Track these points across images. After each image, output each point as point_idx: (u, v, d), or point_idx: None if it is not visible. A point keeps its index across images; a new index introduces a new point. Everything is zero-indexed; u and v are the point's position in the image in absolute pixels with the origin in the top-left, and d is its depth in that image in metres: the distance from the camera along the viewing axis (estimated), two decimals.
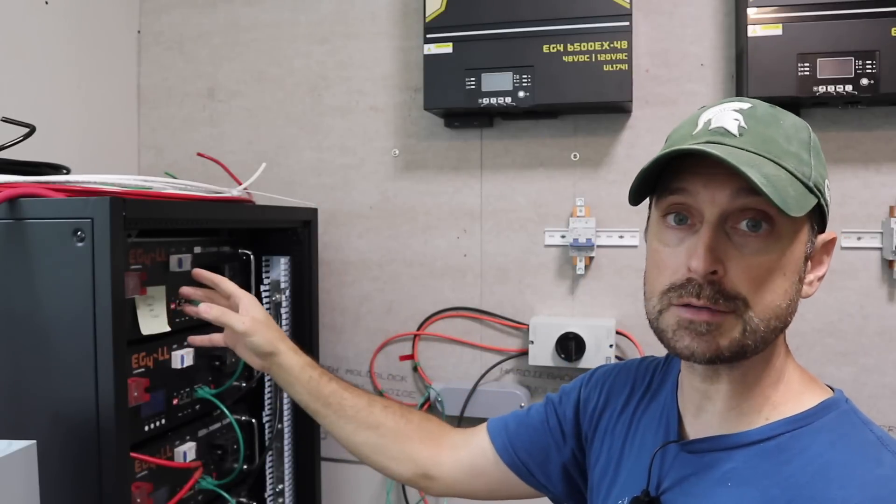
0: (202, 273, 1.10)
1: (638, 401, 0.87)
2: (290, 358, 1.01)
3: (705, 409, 0.75)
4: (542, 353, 1.52)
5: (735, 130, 0.69)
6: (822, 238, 0.72)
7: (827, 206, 0.72)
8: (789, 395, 0.72)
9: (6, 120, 1.18)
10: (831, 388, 0.74)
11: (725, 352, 0.67)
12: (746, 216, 0.67)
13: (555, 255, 1.60)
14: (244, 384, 1.35)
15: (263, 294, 1.43)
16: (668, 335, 0.70)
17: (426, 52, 1.52)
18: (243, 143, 1.78)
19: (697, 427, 0.77)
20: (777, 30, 1.34)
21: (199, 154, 1.56)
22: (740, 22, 1.41)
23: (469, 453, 0.98)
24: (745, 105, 0.71)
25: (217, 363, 1.27)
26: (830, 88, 1.31)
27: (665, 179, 0.71)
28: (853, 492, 0.62)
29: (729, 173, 0.65)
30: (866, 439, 0.68)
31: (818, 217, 0.71)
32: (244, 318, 1.01)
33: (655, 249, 0.73)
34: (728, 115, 0.70)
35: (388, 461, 0.99)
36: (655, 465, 0.77)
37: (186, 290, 1.10)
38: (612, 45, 1.42)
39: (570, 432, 0.93)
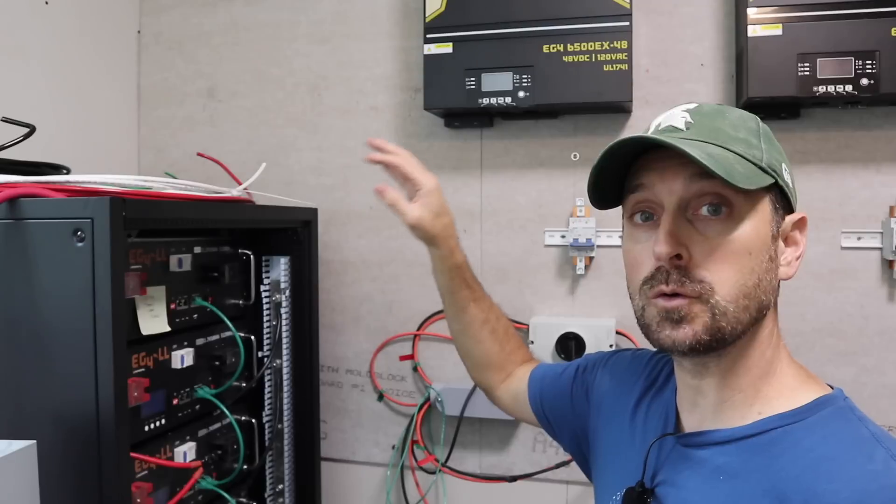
0: (380, 154, 1.06)
1: (644, 393, 0.88)
2: (443, 254, 1.07)
3: (698, 404, 0.77)
4: (542, 353, 1.52)
5: (682, 126, 0.73)
6: (790, 218, 0.74)
7: (789, 189, 0.74)
8: (783, 391, 0.73)
9: (6, 120, 1.18)
10: (831, 387, 0.74)
11: (704, 336, 0.69)
12: (705, 202, 0.70)
13: (555, 255, 1.60)
14: (244, 384, 1.35)
15: (263, 294, 1.43)
16: (651, 329, 0.72)
17: (426, 52, 1.52)
18: (243, 143, 1.78)
19: (692, 421, 0.78)
20: (777, 30, 1.34)
21: (199, 154, 1.57)
22: (740, 22, 1.41)
23: (516, 386, 1.08)
24: (692, 105, 0.76)
25: (217, 363, 1.27)
26: (830, 88, 1.31)
27: (627, 183, 0.75)
28: (841, 486, 0.63)
29: (681, 163, 0.69)
30: (860, 435, 0.68)
31: (781, 199, 0.74)
32: (415, 210, 1.03)
33: (628, 249, 0.76)
34: (676, 114, 0.75)
35: (471, 363, 1.12)
36: (651, 457, 0.79)
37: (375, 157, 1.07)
38: (612, 45, 1.42)
39: (580, 406, 0.98)
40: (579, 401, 0.98)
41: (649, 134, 0.74)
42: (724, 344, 0.70)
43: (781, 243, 0.74)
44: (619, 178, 0.76)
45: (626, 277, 0.77)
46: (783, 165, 0.74)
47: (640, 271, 0.72)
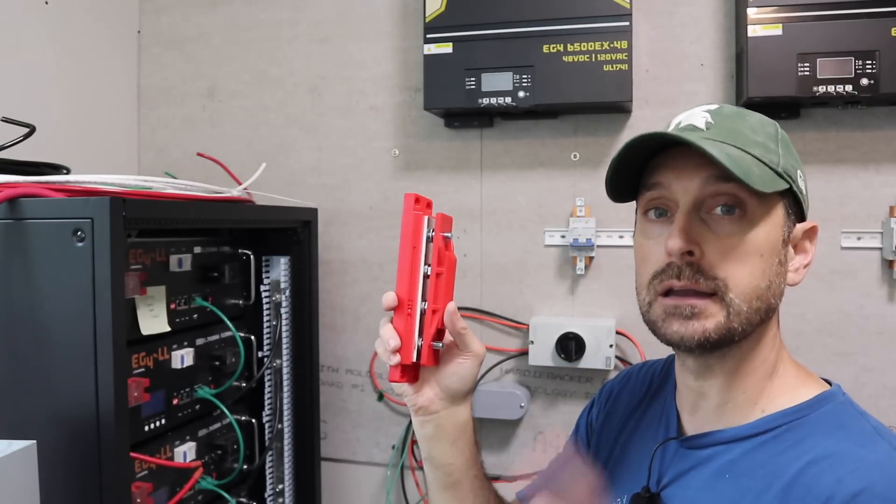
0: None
1: (637, 404, 0.89)
2: (469, 417, 0.86)
3: (700, 406, 0.77)
4: (542, 353, 1.52)
5: (702, 126, 0.73)
6: (801, 226, 0.75)
7: (803, 195, 0.75)
8: (785, 389, 0.74)
9: (6, 120, 1.18)
10: (829, 383, 0.76)
11: (713, 335, 0.69)
12: (719, 202, 0.70)
13: (555, 255, 1.60)
14: (244, 384, 1.35)
15: (263, 294, 1.43)
16: (658, 324, 0.72)
17: (426, 52, 1.51)
18: (243, 143, 1.78)
19: (695, 423, 0.78)
20: (777, 30, 1.34)
21: (199, 154, 1.56)
22: (740, 22, 1.41)
23: None
24: (714, 106, 0.76)
25: (217, 363, 1.27)
26: (830, 88, 1.31)
27: (643, 179, 0.75)
28: (845, 476, 0.63)
29: (698, 163, 0.69)
30: (861, 429, 0.69)
31: (794, 206, 0.74)
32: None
33: (640, 244, 0.76)
34: (697, 114, 0.75)
35: None
36: (656, 461, 0.78)
37: None
38: (612, 45, 1.42)
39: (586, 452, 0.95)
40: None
41: (669, 130, 0.74)
42: (730, 343, 0.70)
43: (791, 250, 0.74)
44: (636, 172, 0.76)
45: (635, 272, 0.77)
46: (798, 172, 0.74)
47: (650, 265, 0.73)
